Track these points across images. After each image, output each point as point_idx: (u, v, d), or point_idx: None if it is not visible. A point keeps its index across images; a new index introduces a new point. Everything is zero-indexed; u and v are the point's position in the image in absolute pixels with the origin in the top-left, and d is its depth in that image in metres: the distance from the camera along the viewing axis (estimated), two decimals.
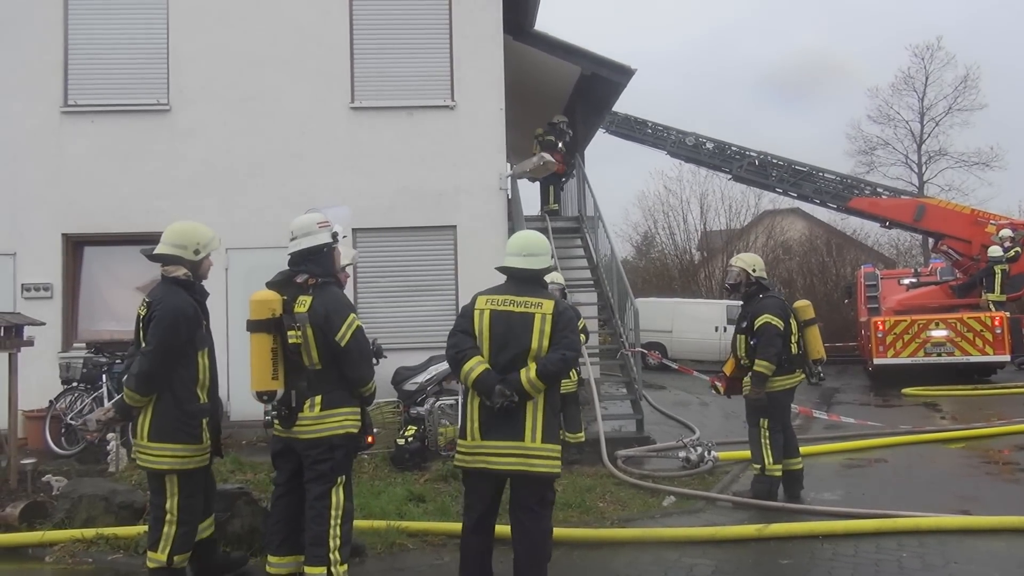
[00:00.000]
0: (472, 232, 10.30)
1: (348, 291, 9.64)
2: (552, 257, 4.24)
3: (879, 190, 19.23)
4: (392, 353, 5.87)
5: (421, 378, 8.98)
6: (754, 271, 6.37)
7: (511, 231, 10.68)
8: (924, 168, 31.84)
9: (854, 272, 21.16)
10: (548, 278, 7.77)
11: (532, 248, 4.16)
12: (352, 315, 4.09)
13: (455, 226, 10.45)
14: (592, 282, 11.92)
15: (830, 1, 58.86)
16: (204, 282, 4.44)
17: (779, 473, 6.19)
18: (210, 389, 4.32)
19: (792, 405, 6.59)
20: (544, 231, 12.16)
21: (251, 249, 9.49)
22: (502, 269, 4.17)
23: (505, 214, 10.65)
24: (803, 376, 6.34)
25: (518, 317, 3.96)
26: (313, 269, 4.17)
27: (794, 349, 6.25)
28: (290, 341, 4.01)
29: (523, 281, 4.10)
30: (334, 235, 4.25)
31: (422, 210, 10.41)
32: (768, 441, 6.20)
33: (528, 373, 3.87)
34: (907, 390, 13.29)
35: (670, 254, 32.12)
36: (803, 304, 6.32)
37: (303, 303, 4.07)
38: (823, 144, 53.93)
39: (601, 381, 11.28)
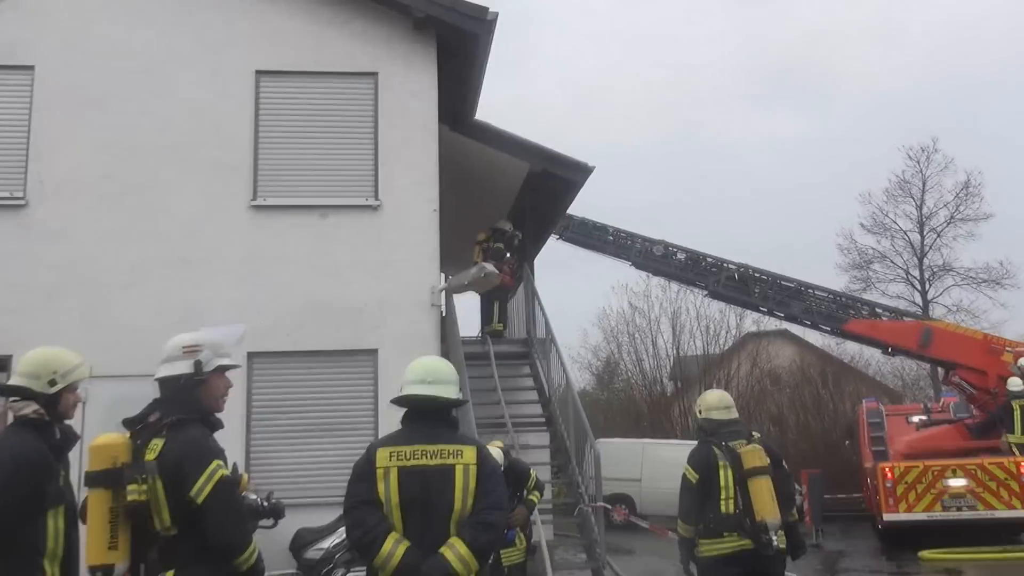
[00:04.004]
0: (397, 357, 10.17)
1: (236, 431, 9.41)
2: (462, 389, 4.15)
3: (878, 310, 19.90)
4: (292, 511, 5.63)
5: (329, 542, 8.67)
6: (700, 413, 6.54)
7: (445, 356, 10.66)
8: (928, 285, 32.96)
9: (854, 407, 21.55)
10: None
11: (437, 374, 4.08)
12: (215, 463, 3.87)
13: (376, 350, 10.39)
14: (543, 420, 11.88)
15: (813, 95, 63.12)
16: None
17: None
18: (64, 561, 4.03)
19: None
20: (485, 356, 12.20)
21: (116, 377, 9.15)
22: (399, 400, 4.06)
23: (438, 335, 10.66)
24: (744, 542, 5.97)
25: (435, 473, 3.82)
26: (168, 405, 4.02)
27: (724, 508, 6.04)
28: (129, 498, 3.79)
29: (429, 418, 4.01)
30: (197, 363, 4.08)
31: (336, 330, 10.35)
32: None
33: (457, 550, 3.72)
34: (924, 553, 13.31)
35: (637, 384, 32.46)
36: (748, 450, 6.10)
37: (154, 448, 3.87)
38: (812, 256, 56.33)
39: (555, 545, 11.04)
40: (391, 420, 4.72)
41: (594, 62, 78.54)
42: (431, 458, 3.85)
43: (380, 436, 9.23)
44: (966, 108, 54.19)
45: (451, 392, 4.06)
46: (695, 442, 6.60)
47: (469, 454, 3.89)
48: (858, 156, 56.80)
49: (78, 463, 4.49)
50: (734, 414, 6.47)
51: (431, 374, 4.07)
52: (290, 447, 10.03)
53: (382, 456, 3.89)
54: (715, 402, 6.51)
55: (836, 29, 65.86)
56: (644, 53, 77.81)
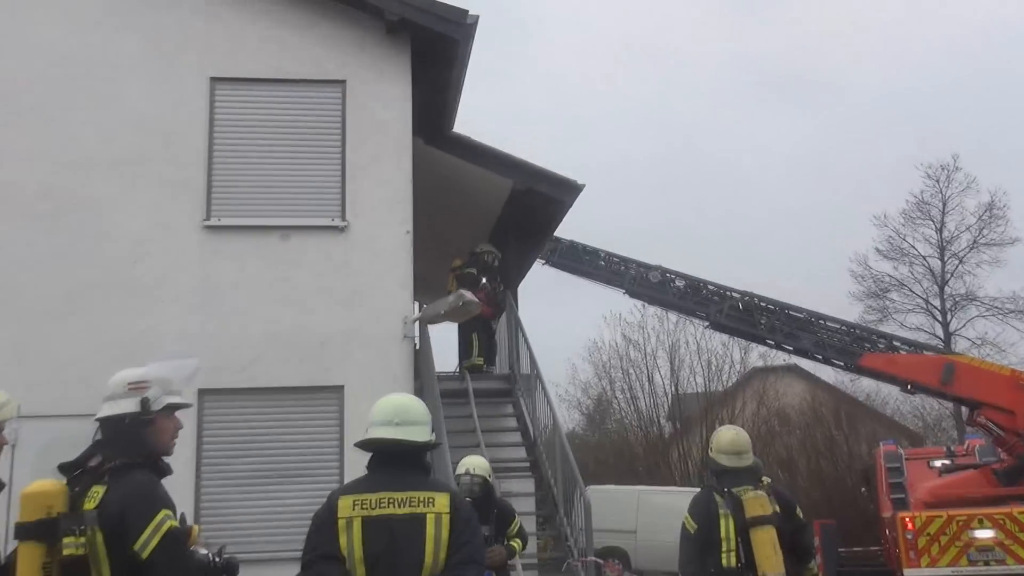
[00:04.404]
0: (364, 394, 10.13)
1: (185, 477, 9.33)
2: (436, 430, 4.14)
3: (896, 343, 19.99)
4: (246, 566, 5.58)
5: None
6: (711, 451, 6.62)
7: (418, 393, 10.63)
8: (950, 316, 33.11)
9: (871, 451, 21.59)
10: (465, 467, 7.61)
11: (407, 414, 4.05)
12: (163, 513, 3.80)
13: (342, 386, 10.36)
14: (528, 465, 11.83)
15: (816, 104, 63.89)
16: None
17: None
18: None
19: None
20: (463, 393, 12.16)
21: (52, 417, 9.10)
22: (365, 444, 4.03)
23: (411, 370, 10.64)
24: None
25: (403, 523, 3.78)
26: (110, 448, 3.95)
27: (725, 561, 6.06)
28: (65, 552, 3.70)
29: (398, 464, 3.98)
30: (144, 401, 4.05)
31: (297, 364, 10.31)
32: None
33: None
34: None
35: (632, 425, 32.39)
36: (751, 497, 6.12)
37: (94, 496, 3.80)
38: (823, 283, 56.70)
39: None
40: (357, 465, 4.71)
41: (584, 71, 79.36)
42: (399, 506, 3.81)
43: (345, 481, 9.15)
44: (990, 122, 54.95)
45: (422, 434, 4.03)
46: (696, 489, 6.63)
47: (442, 502, 3.85)
48: (870, 173, 57.48)
49: (6, 513, 4.46)
50: (746, 462, 6.41)
51: (400, 414, 4.03)
52: (245, 495, 9.95)
53: (344, 505, 3.84)
54: (727, 445, 6.48)
55: (841, 35, 66.88)
56: (638, 62, 78.65)
